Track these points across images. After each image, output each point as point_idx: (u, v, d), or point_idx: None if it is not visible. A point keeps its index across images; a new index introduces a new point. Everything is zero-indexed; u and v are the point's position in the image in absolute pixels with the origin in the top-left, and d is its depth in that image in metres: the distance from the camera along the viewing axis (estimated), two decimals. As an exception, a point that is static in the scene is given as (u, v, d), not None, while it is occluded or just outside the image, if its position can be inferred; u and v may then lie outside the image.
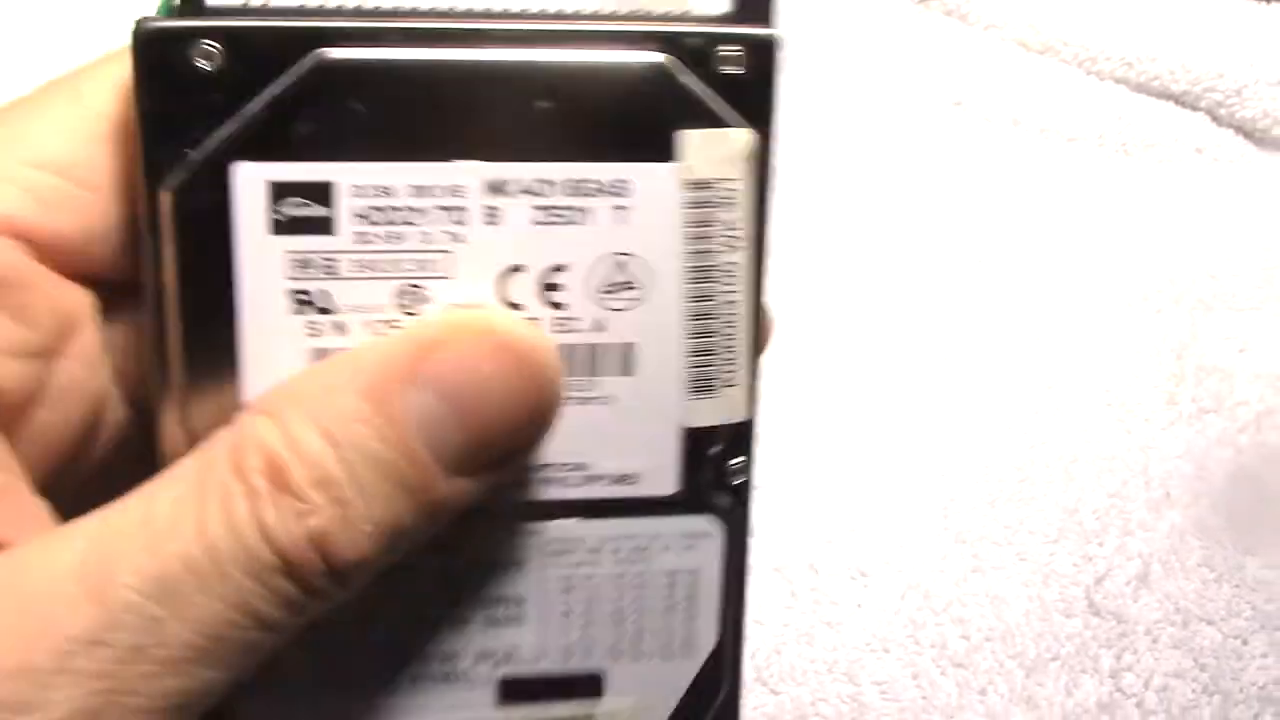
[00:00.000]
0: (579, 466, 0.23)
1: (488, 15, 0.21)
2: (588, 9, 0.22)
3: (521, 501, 0.23)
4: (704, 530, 0.24)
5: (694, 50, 0.21)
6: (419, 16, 0.21)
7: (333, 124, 0.21)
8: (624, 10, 0.22)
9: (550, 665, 0.24)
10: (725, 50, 0.22)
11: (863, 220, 0.48)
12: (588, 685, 0.24)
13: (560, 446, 0.23)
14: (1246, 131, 0.51)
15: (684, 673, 0.24)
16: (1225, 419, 0.44)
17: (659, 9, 0.22)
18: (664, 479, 0.24)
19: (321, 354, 0.22)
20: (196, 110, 0.21)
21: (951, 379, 0.44)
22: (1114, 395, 0.44)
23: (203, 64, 0.20)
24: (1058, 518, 0.41)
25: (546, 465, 0.23)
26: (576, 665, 0.24)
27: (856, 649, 0.38)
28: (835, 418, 0.43)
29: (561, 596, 0.24)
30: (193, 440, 0.21)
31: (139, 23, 0.20)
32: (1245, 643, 0.39)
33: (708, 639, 0.24)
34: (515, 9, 0.22)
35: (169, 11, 0.21)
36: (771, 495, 0.41)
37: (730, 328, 0.23)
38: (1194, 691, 0.38)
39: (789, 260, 0.46)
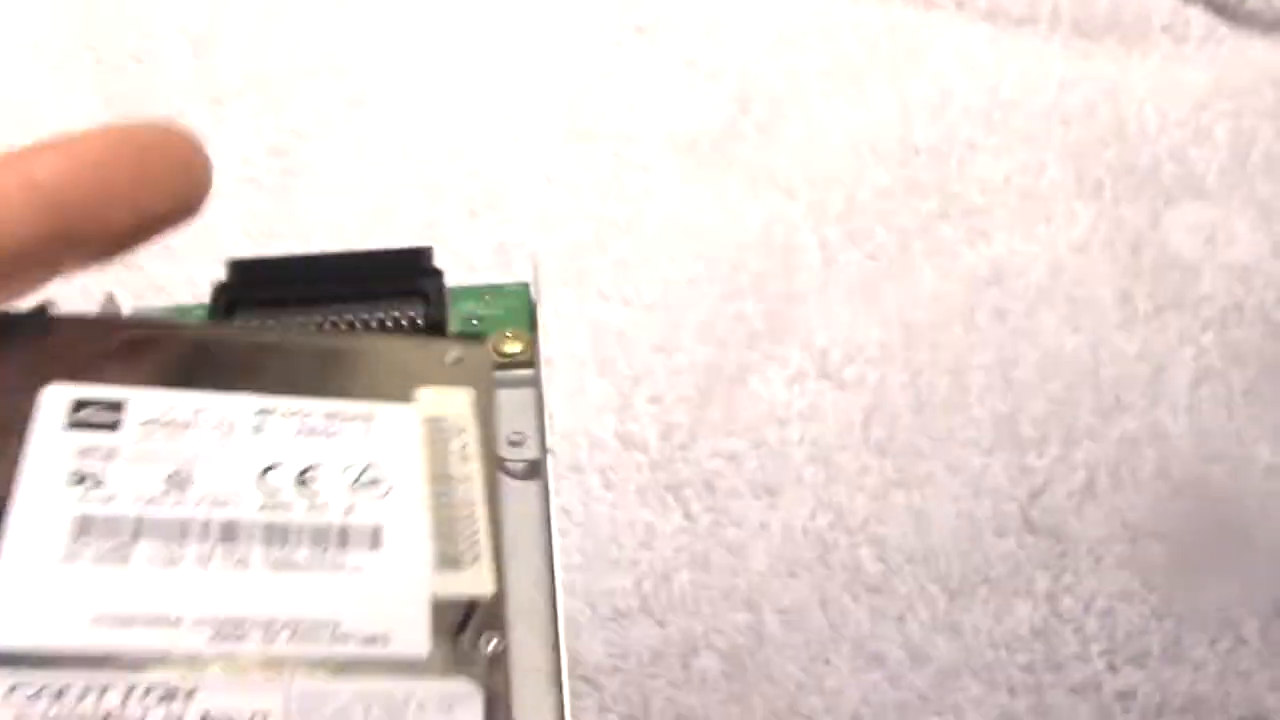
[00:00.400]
0: (328, 625, 0.24)
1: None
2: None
3: (265, 657, 0.24)
4: (463, 692, 0.24)
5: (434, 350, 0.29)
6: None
7: (139, 367, 0.27)
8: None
9: None
10: (454, 353, 0.29)
11: (819, 120, 0.43)
12: None
13: (310, 606, 0.24)
14: (1216, 6, 0.46)
15: None
16: (1187, 316, 0.39)
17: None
18: (416, 641, 0.25)
19: (86, 520, 0.25)
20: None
21: (874, 273, 0.39)
22: (1061, 291, 0.39)
23: None
24: (993, 426, 0.36)
25: (294, 622, 0.24)
26: None
27: (759, 574, 0.34)
28: (744, 325, 0.38)
29: None
30: None
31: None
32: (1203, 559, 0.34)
33: None
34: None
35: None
36: (664, 405, 0.36)
37: (470, 519, 0.26)
38: (1142, 615, 0.33)
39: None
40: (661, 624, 0.33)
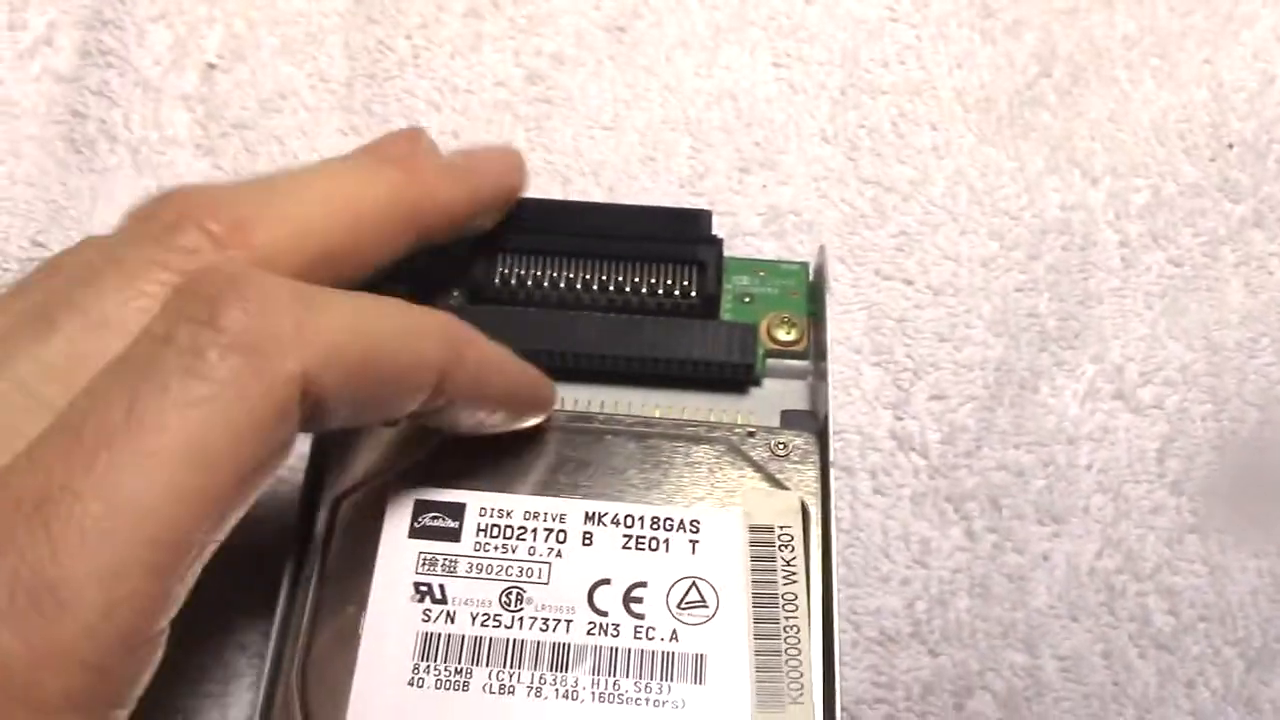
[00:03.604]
0: None
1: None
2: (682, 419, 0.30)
3: None
4: None
5: (759, 437, 0.29)
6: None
7: (470, 464, 0.28)
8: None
9: None
10: (780, 440, 0.29)
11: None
12: None
13: None
14: None
15: None
16: None
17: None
18: None
19: (430, 640, 0.26)
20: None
21: (1178, 282, 0.36)
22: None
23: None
24: (1302, 476, 0.33)
25: None
26: None
27: (1039, 612, 0.31)
28: (1037, 323, 0.35)
29: None
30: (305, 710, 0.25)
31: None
32: None
33: None
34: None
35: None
36: (948, 404, 0.33)
37: (795, 649, 0.26)
38: None
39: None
40: (934, 654, 0.30)
